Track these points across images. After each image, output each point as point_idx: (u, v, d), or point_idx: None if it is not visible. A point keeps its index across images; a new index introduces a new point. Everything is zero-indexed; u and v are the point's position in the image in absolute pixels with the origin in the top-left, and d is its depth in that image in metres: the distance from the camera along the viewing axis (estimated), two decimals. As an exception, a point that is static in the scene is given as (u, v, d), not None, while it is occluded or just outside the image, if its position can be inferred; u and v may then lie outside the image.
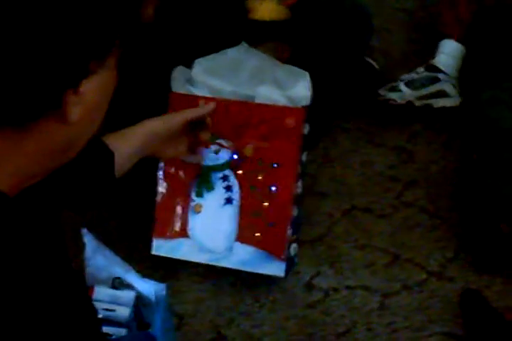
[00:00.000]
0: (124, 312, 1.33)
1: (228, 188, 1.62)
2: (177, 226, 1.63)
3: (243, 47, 1.69)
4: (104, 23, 0.66)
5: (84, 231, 1.36)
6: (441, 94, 1.94)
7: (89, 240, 1.34)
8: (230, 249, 1.62)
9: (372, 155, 1.94)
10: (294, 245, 1.64)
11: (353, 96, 1.95)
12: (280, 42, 1.79)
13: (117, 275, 1.35)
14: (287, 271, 1.61)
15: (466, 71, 1.94)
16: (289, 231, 1.60)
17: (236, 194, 1.62)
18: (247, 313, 1.67)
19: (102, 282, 1.35)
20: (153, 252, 1.64)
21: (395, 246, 1.77)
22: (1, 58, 0.62)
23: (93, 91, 0.69)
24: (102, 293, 1.33)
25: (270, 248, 1.60)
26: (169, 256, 1.64)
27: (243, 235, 1.61)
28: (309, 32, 1.80)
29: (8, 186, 0.71)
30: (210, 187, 1.63)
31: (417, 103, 1.94)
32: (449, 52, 1.94)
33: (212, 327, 1.65)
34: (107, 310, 1.32)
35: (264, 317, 1.67)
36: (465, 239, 1.75)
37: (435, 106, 1.94)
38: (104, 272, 1.35)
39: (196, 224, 1.63)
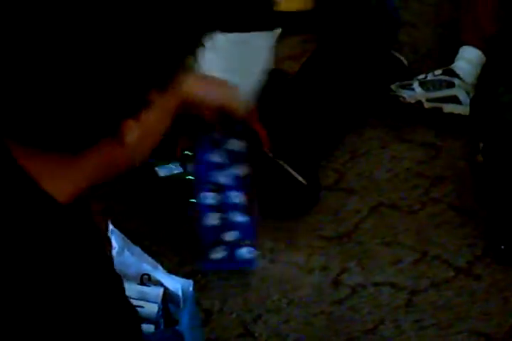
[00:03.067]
0: (152, 308, 1.34)
1: None
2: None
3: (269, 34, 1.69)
4: (169, 54, 0.65)
5: (111, 227, 1.37)
6: (453, 99, 1.91)
7: (116, 237, 1.35)
8: None
9: (400, 151, 1.93)
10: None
11: (381, 91, 1.94)
12: (306, 33, 1.79)
13: (145, 272, 1.36)
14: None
15: (484, 73, 1.92)
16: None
17: None
18: (274, 309, 1.68)
19: (130, 278, 1.36)
20: None
21: (422, 243, 1.76)
22: (62, 88, 0.62)
23: (153, 118, 0.69)
24: (130, 290, 1.33)
25: None
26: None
27: None
28: (335, 23, 1.80)
29: (63, 197, 0.72)
30: None
31: (427, 105, 1.91)
32: (468, 59, 1.91)
33: (240, 323, 1.66)
34: (135, 306, 1.33)
35: (291, 313, 1.67)
36: (493, 236, 1.74)
37: (444, 110, 1.92)
38: (132, 269, 1.36)
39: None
